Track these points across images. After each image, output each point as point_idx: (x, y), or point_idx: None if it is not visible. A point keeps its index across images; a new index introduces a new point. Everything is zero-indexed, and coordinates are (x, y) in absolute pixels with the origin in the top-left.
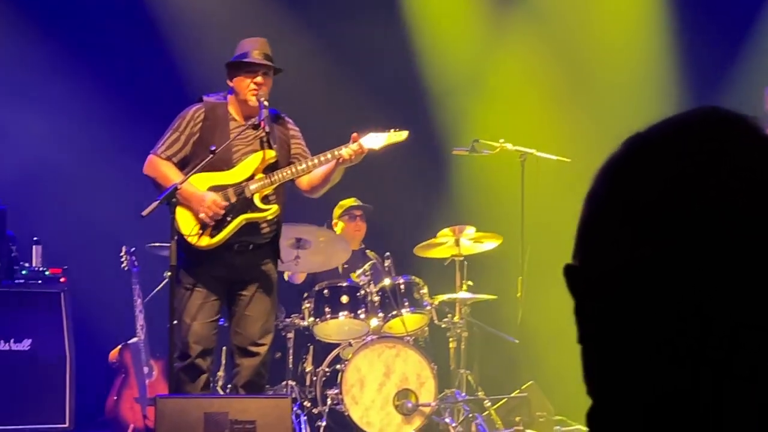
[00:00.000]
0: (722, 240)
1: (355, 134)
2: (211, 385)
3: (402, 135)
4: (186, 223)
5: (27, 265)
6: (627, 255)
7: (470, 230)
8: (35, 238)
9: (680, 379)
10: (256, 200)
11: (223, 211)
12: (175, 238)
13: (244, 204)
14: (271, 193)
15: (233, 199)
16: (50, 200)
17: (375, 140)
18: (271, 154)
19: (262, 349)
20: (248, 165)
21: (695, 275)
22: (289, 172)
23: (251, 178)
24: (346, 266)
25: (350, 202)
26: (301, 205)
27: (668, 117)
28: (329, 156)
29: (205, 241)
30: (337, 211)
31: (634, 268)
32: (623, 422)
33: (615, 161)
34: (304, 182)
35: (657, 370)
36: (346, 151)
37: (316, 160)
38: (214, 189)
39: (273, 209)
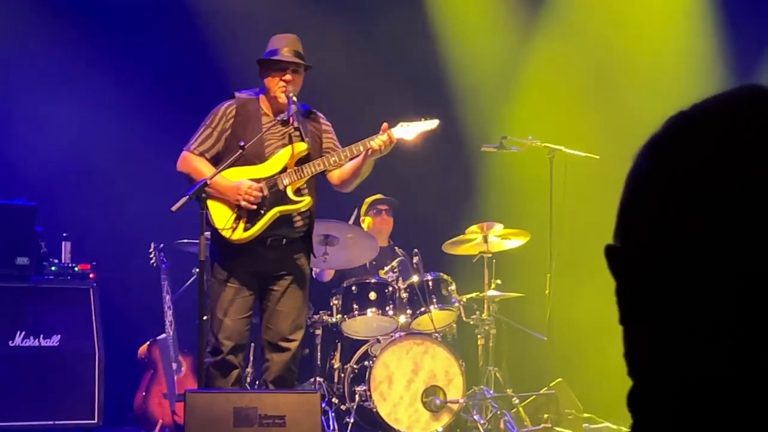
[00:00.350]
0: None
1: (385, 124)
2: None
3: (433, 123)
4: (220, 216)
5: (56, 261)
6: (669, 234)
7: (498, 227)
8: (65, 234)
9: (721, 361)
10: (289, 192)
11: (259, 193)
12: (205, 233)
13: (278, 197)
14: (303, 186)
15: (266, 192)
16: (79, 196)
17: (406, 130)
18: (302, 147)
19: (293, 345)
20: (280, 158)
21: (738, 254)
22: (321, 164)
23: (283, 171)
24: (374, 263)
25: (376, 197)
26: (329, 202)
27: (711, 95)
28: (360, 147)
29: (239, 235)
30: (363, 208)
31: (676, 247)
32: (663, 403)
33: (658, 139)
34: (335, 176)
35: (698, 351)
36: (375, 141)
37: (347, 152)
38: None
39: (306, 201)
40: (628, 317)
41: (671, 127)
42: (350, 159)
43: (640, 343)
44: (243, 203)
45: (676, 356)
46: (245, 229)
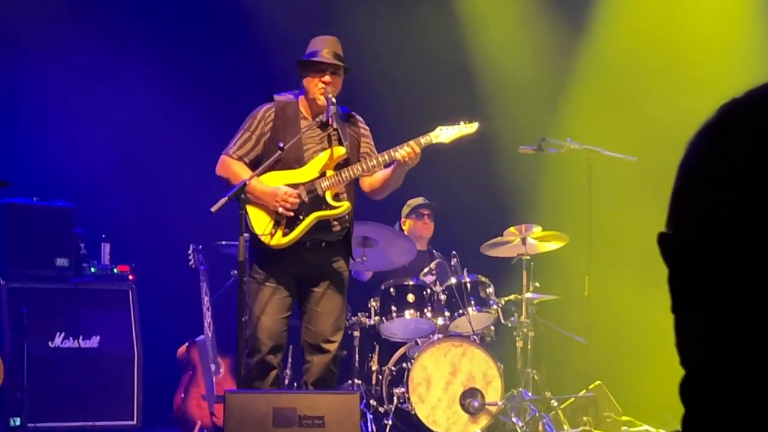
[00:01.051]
0: None
1: (411, 142)
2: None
3: (473, 127)
4: (259, 222)
5: (96, 262)
6: (724, 222)
7: (537, 229)
8: (104, 236)
9: None
10: (328, 197)
11: (296, 200)
12: (244, 234)
13: (316, 201)
14: (342, 191)
15: (305, 197)
16: (119, 198)
17: (445, 133)
18: (341, 151)
19: (333, 347)
20: (319, 162)
21: None
22: (359, 168)
23: (322, 175)
24: (412, 265)
25: (418, 201)
26: (368, 204)
27: (764, 82)
28: (386, 157)
29: (278, 240)
30: (405, 210)
31: (731, 235)
32: (717, 393)
33: (710, 127)
34: (366, 183)
35: (752, 340)
36: (400, 152)
37: (384, 157)
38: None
39: (344, 206)
40: (681, 306)
41: (724, 114)
42: (386, 165)
43: (694, 333)
44: (280, 210)
45: (731, 345)
46: (284, 235)
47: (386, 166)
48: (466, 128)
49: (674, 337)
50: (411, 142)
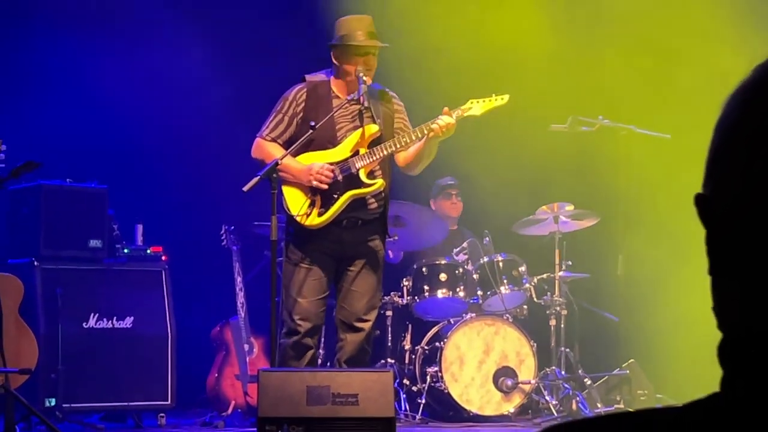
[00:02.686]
0: None
1: (445, 108)
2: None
3: (504, 99)
4: (294, 202)
5: (129, 244)
6: (761, 182)
7: (569, 207)
8: (137, 217)
9: None
10: (362, 175)
11: (332, 175)
12: (276, 214)
13: (351, 180)
14: (376, 168)
15: (339, 177)
16: (152, 179)
17: (476, 106)
18: (373, 129)
19: (367, 325)
20: (352, 141)
21: None
22: (392, 144)
23: (356, 154)
24: (444, 244)
25: (446, 180)
26: (399, 183)
27: None
28: (424, 131)
29: (313, 220)
30: (434, 190)
31: None
32: (756, 356)
33: (747, 87)
34: (400, 158)
35: None
36: (435, 125)
37: (417, 133)
38: None
39: (379, 183)
40: (719, 268)
41: (761, 73)
42: (419, 140)
43: (732, 295)
44: (315, 183)
45: None
46: (319, 214)
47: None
48: (497, 100)
49: (711, 299)
50: (445, 115)
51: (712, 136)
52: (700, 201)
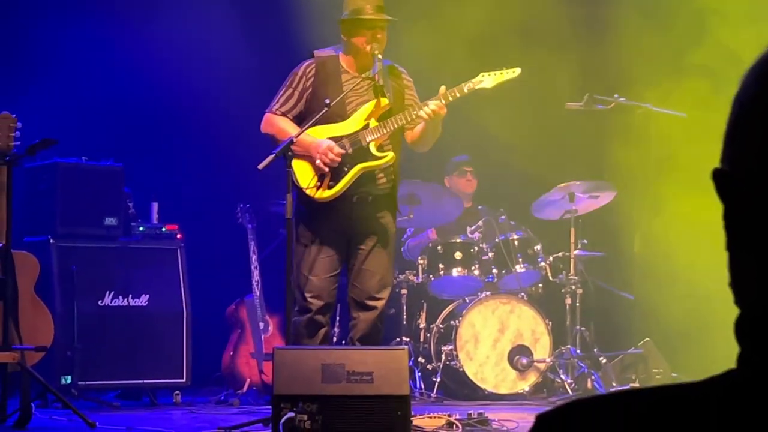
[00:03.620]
0: None
1: (442, 87)
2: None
3: (515, 72)
4: (304, 175)
5: (144, 222)
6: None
7: (584, 186)
8: (152, 195)
9: None
10: (372, 148)
11: (338, 156)
12: (291, 191)
13: (360, 153)
14: (386, 142)
15: (349, 149)
16: (167, 157)
17: (487, 79)
18: (384, 102)
19: (379, 303)
20: (362, 114)
21: None
22: (403, 118)
23: (366, 127)
24: (459, 221)
25: (461, 158)
26: (413, 162)
27: None
28: (420, 113)
29: (323, 193)
30: (448, 167)
31: None
32: None
33: (764, 61)
34: (408, 136)
35: None
36: (425, 110)
37: (417, 113)
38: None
39: (389, 156)
40: (736, 243)
41: None
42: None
43: (749, 271)
44: (318, 162)
45: None
46: (329, 187)
47: None
48: (508, 73)
49: (728, 275)
50: (436, 99)
51: (730, 110)
52: (717, 176)
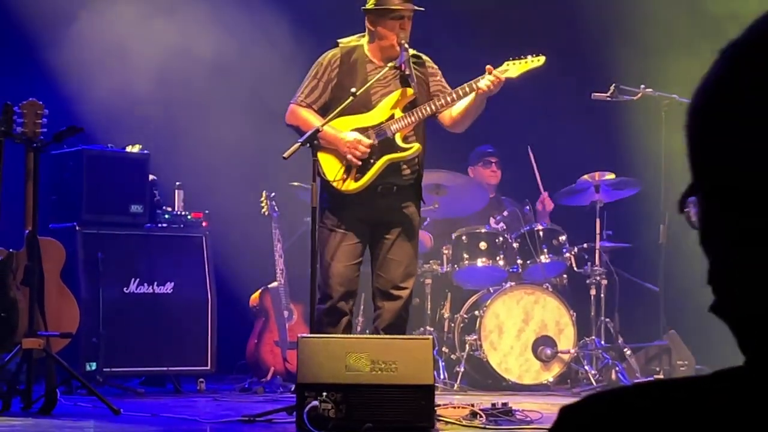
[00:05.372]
0: None
1: (489, 66)
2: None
3: (540, 60)
4: (330, 168)
5: (169, 209)
6: (755, 143)
7: (610, 177)
8: (178, 183)
9: None
10: (398, 140)
11: (366, 149)
12: (317, 180)
13: (386, 145)
14: (411, 133)
15: (374, 141)
16: (193, 145)
17: (512, 68)
18: (409, 93)
19: (404, 293)
20: (387, 105)
21: None
22: (428, 107)
23: (391, 118)
24: (484, 213)
25: (486, 148)
26: (436, 152)
27: None
28: (467, 89)
29: (350, 185)
30: (472, 157)
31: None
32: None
33: (739, 43)
34: (446, 117)
35: None
36: (483, 82)
37: (455, 94)
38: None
39: (415, 147)
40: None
41: (755, 28)
42: (458, 101)
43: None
44: (349, 157)
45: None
46: (355, 180)
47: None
48: (534, 62)
49: (712, 274)
50: (491, 74)
51: (689, 126)
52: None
